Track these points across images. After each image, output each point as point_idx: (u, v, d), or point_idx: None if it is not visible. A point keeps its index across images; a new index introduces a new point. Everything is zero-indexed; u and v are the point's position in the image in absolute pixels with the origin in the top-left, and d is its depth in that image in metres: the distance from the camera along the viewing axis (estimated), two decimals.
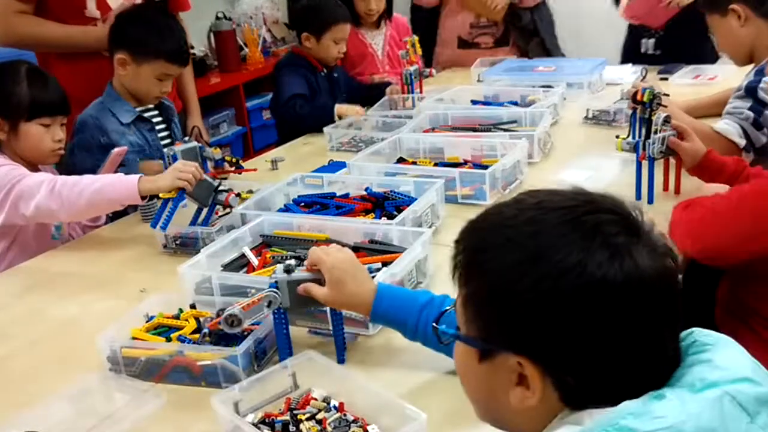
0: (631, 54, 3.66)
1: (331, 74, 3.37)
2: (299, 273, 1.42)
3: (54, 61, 2.70)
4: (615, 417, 0.81)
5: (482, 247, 0.91)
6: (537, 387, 0.87)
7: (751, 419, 0.83)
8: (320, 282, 1.40)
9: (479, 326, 0.91)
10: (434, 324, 0.99)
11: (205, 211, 2.12)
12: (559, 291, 0.83)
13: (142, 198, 2.03)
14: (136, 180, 2.01)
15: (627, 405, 0.83)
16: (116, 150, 2.25)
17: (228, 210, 2.12)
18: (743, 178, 1.96)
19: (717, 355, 0.89)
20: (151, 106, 2.54)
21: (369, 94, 3.39)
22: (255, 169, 2.59)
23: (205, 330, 1.48)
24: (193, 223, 2.10)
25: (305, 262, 1.44)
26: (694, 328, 0.94)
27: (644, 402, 0.83)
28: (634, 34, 3.72)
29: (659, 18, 3.51)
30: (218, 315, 1.46)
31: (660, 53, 3.58)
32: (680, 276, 0.91)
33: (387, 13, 3.72)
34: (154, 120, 2.55)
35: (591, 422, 0.84)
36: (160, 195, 2.02)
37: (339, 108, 3.15)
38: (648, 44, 3.62)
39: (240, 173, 2.46)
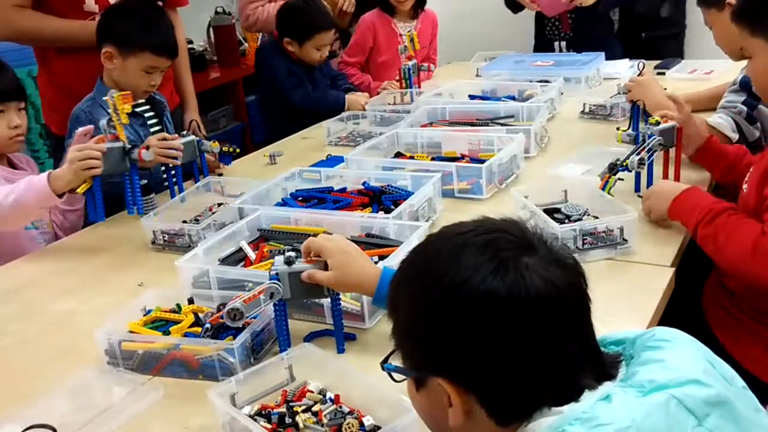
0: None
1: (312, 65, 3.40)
2: (299, 264, 1.43)
3: (52, 56, 2.71)
4: (562, 423, 0.84)
5: (397, 284, 0.99)
6: (456, 404, 0.90)
7: (699, 422, 0.86)
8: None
9: (407, 356, 0.97)
10: (381, 364, 1.02)
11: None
12: (451, 308, 0.88)
13: (59, 196, 2.01)
14: (46, 182, 1.99)
15: (575, 408, 0.85)
16: (80, 130, 2.20)
17: (221, 205, 2.13)
18: (744, 165, 1.97)
19: (671, 354, 0.91)
20: (142, 100, 2.53)
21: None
22: (236, 150, 2.54)
23: (207, 325, 1.48)
24: (129, 204, 2.19)
25: (302, 251, 1.45)
26: (656, 327, 0.98)
27: (592, 405, 0.85)
28: (543, 35, 3.96)
29: (554, 8, 3.70)
30: (219, 310, 1.46)
31: (573, 53, 3.72)
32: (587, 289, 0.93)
33: (420, 3, 3.75)
34: (146, 115, 2.55)
35: (540, 430, 0.86)
36: (78, 190, 2.04)
37: (349, 98, 3.23)
38: (561, 45, 3.89)
39: (227, 165, 2.49)
